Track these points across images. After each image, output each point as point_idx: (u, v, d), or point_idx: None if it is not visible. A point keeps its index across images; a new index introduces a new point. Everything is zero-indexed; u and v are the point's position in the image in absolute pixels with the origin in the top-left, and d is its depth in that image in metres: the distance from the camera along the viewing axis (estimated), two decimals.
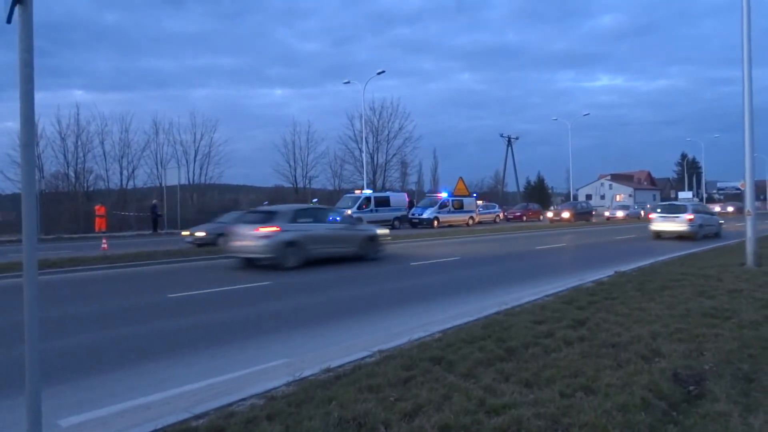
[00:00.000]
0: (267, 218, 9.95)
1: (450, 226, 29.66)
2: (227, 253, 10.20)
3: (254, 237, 9.55)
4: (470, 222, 30.74)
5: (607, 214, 35.34)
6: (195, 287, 7.55)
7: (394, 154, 44.83)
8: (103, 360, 4.41)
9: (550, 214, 35.14)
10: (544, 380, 3.55)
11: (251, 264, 9.76)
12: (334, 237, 10.55)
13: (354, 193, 29.08)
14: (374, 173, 44.01)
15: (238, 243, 9.75)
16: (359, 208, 26.95)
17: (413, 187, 50.48)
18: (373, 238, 11.14)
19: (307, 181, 46.07)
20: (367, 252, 11.06)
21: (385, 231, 11.79)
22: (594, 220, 33.68)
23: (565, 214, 32.81)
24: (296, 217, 10.24)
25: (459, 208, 30.48)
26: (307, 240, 9.95)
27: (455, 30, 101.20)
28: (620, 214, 35.31)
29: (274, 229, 9.70)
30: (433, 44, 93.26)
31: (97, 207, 23.99)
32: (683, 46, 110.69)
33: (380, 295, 7.21)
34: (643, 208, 38.09)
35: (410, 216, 29.33)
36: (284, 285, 7.81)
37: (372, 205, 27.54)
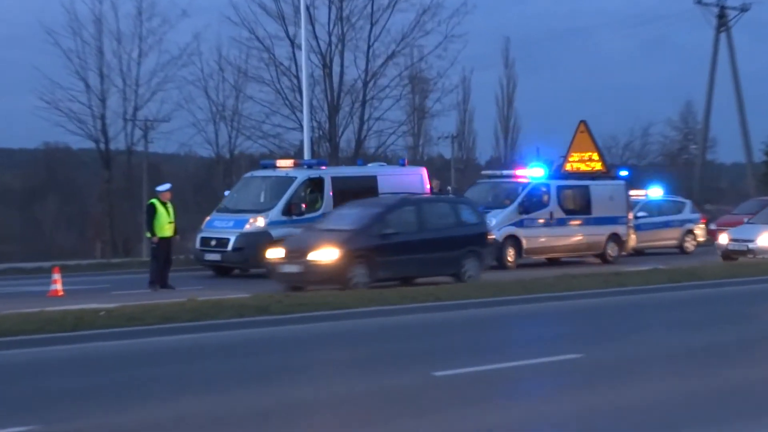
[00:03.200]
0: None
1: (553, 260, 30.75)
2: None
3: None
4: (612, 252, 31.57)
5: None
6: None
7: (390, 57, 44.82)
8: None
9: None
10: None
11: None
12: None
13: (273, 169, 29.44)
14: (332, 112, 44.03)
15: None
16: (287, 210, 27.37)
17: (445, 153, 50.27)
18: None
19: (136, 138, 46.28)
20: None
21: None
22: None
23: None
24: None
25: (580, 210, 31.23)
26: None
27: None
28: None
29: None
30: None
31: None
32: None
33: None
34: None
35: None
36: None
37: (323, 204, 27.95)
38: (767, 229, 30.99)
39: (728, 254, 30.88)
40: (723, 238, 31.59)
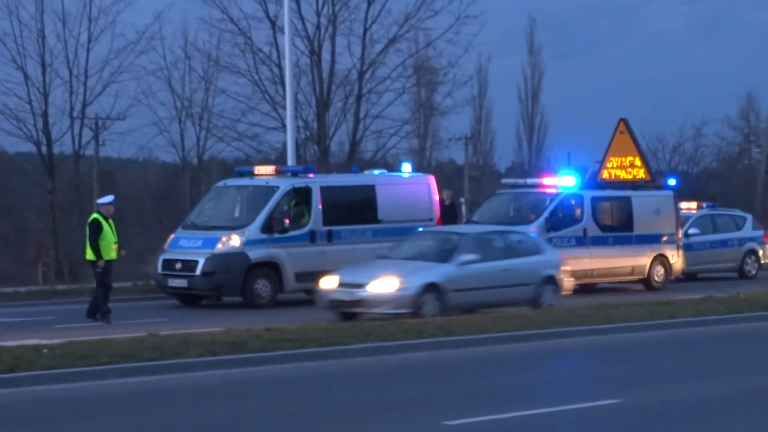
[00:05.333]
0: None
1: (588, 287, 30.73)
2: None
3: None
4: (659, 277, 31.92)
5: None
6: None
7: (391, 42, 45.26)
8: None
9: None
10: None
11: None
12: None
13: (250, 177, 29.66)
14: (321, 108, 44.32)
15: None
16: (267, 227, 27.44)
17: (457, 158, 50.10)
18: None
19: (85, 140, 46.18)
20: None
21: None
22: None
23: None
24: None
25: (620, 227, 31.52)
26: None
27: None
28: None
29: None
30: None
31: None
32: None
33: None
34: None
35: None
36: None
37: (311, 220, 28.21)
38: (389, 269, 24.73)
39: (334, 306, 24.52)
40: (329, 281, 24.87)
